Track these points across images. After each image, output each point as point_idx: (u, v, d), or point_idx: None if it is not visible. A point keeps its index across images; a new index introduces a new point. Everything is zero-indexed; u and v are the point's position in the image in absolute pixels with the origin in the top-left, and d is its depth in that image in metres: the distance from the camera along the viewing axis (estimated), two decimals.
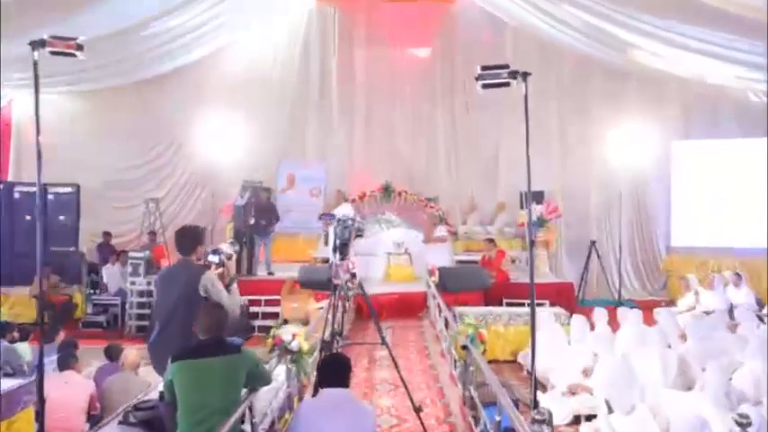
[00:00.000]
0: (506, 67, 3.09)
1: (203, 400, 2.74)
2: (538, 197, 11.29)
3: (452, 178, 12.82)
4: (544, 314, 6.91)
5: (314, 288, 7.77)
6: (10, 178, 11.60)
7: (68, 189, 10.75)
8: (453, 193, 12.72)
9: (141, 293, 9.17)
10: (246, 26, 11.97)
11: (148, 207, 11.76)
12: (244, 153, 11.48)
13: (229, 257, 3.58)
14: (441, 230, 11.23)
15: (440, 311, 6.62)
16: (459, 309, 7.37)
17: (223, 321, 2.96)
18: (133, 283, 9.20)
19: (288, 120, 12.60)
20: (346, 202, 11.06)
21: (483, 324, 7.17)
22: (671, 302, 10.48)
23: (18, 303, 9.36)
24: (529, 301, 8.66)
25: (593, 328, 6.42)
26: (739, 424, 3.14)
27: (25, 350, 5.93)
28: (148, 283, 8.94)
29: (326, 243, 9.68)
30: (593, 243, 10.75)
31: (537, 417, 2.44)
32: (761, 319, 6.80)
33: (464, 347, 3.72)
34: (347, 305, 4.09)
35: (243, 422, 3.02)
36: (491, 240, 10.17)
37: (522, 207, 11.60)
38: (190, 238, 3.67)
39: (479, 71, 3.14)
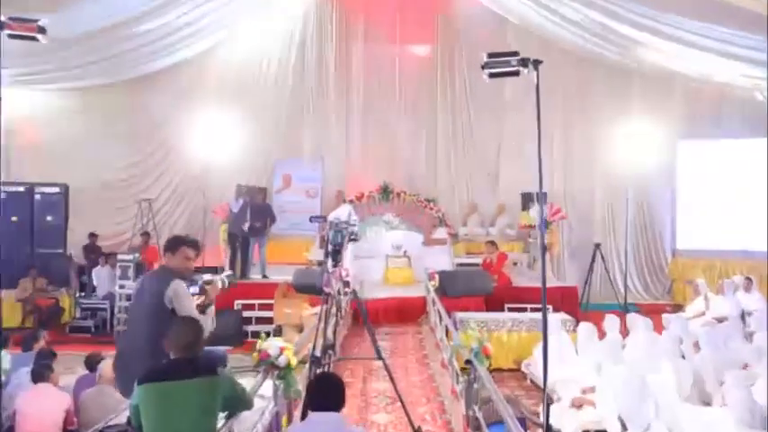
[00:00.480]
0: (515, 54, 2.79)
1: (174, 429, 2.43)
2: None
3: (452, 179, 12.56)
4: (551, 321, 6.60)
5: (309, 292, 7.48)
6: None
7: (56, 189, 10.42)
8: (453, 194, 12.47)
9: (130, 297, 8.79)
10: (241, 22, 11.69)
11: (141, 207, 11.49)
12: (238, 153, 11.19)
13: (208, 282, 3.26)
14: (440, 232, 10.95)
15: (440, 319, 6.31)
16: (460, 314, 7.10)
17: (198, 338, 2.64)
18: (122, 287, 8.85)
19: (284, 118, 12.31)
20: (346, 202, 10.78)
21: (485, 331, 6.94)
22: (677, 307, 10.23)
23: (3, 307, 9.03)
24: (532, 306, 8.47)
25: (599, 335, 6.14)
26: None
27: (4, 358, 5.61)
28: None
29: (321, 246, 9.42)
30: (598, 246, 10.45)
31: None
32: None
33: (468, 362, 3.42)
34: (340, 315, 3.76)
35: None
36: (492, 243, 9.89)
37: (523, 208, 11.35)
38: (173, 238, 3.42)
39: (486, 59, 2.83)
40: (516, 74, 2.80)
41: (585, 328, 5.90)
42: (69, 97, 11.76)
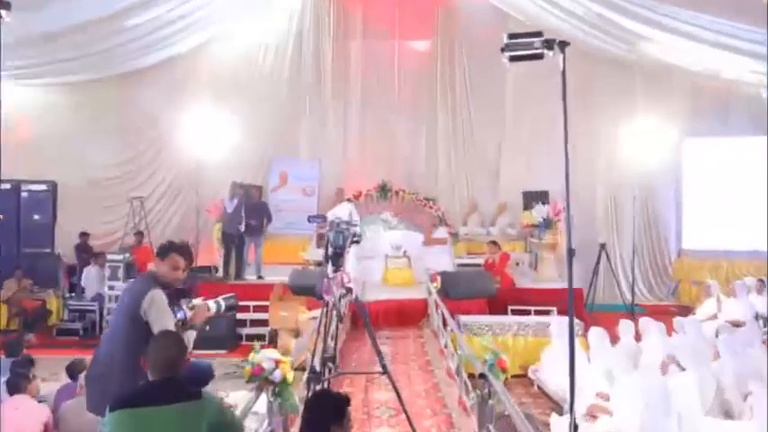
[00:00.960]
0: (539, 34, 2.49)
1: None
2: (543, 197, 10.81)
3: (452, 177, 12.28)
4: (557, 324, 6.34)
5: (306, 294, 7.17)
6: None
7: (43, 187, 10.08)
8: (453, 193, 12.19)
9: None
10: (236, 16, 11.39)
11: (132, 206, 11.20)
12: (233, 150, 10.92)
13: (193, 308, 2.93)
14: (441, 232, 10.66)
15: (444, 324, 6.02)
16: (463, 318, 6.83)
17: (180, 356, 2.31)
18: (111, 288, 8.55)
19: (280, 115, 11.99)
20: (346, 201, 10.48)
21: (489, 334, 6.67)
22: (683, 308, 9.99)
23: None
24: (536, 309, 8.21)
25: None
26: None
27: None
28: None
29: (318, 245, 9.12)
30: (603, 246, 10.19)
31: None
32: None
33: (481, 376, 3.13)
34: (340, 323, 3.46)
35: None
36: (495, 243, 9.63)
37: (525, 207, 11.09)
38: (166, 243, 3.15)
39: (507, 40, 2.53)
40: (540, 57, 2.51)
41: (597, 333, 5.61)
42: (58, 93, 11.45)
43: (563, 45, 2.44)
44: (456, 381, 4.69)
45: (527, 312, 8.11)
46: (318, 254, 7.77)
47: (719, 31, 8.74)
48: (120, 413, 2.14)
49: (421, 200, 11.27)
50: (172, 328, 2.67)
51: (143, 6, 9.15)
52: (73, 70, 10.66)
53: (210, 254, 10.66)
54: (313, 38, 12.25)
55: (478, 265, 9.90)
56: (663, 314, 8.93)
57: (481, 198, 12.02)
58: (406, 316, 7.90)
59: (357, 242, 3.15)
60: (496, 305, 8.18)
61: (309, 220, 3.42)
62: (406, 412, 3.30)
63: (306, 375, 3.14)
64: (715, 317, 7.51)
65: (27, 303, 8.63)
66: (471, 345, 4.96)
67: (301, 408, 2.66)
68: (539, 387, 6.17)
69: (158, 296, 2.79)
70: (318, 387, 2.97)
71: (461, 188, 12.23)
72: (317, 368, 3.06)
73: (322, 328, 3.11)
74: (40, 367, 6.40)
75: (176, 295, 3.02)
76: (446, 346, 5.79)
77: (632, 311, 8.52)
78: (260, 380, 2.98)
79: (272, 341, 7.66)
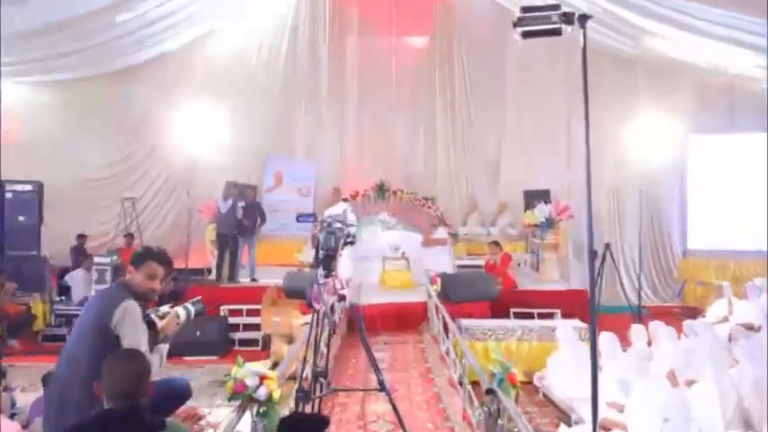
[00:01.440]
0: (557, 7, 2.20)
1: None
2: (544, 196, 10.57)
3: (451, 176, 12.06)
4: (564, 329, 6.06)
5: (300, 298, 6.86)
6: None
7: (29, 187, 9.75)
8: (452, 192, 11.96)
9: None
10: (230, 12, 11.12)
11: (124, 206, 10.90)
12: (227, 149, 10.70)
13: (162, 317, 2.65)
14: (440, 232, 10.36)
15: (446, 330, 5.72)
16: (464, 322, 6.54)
17: (140, 381, 2.00)
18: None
19: (275, 114, 11.75)
20: (343, 201, 10.20)
21: (492, 339, 6.39)
22: (688, 310, 9.74)
23: None
24: (539, 312, 7.90)
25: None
26: None
27: None
28: None
29: (313, 246, 8.82)
30: (608, 246, 9.90)
31: None
32: None
33: (489, 392, 2.83)
34: (334, 332, 3.15)
35: None
36: (496, 243, 9.36)
37: (527, 207, 10.83)
38: (142, 249, 2.92)
39: (519, 13, 2.24)
40: (557, 33, 2.22)
41: (608, 338, 5.32)
42: (47, 91, 11.15)
43: (584, 19, 2.15)
44: (458, 390, 4.40)
45: (530, 315, 7.85)
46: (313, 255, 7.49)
47: (726, 24, 8.51)
48: None
49: (419, 199, 11.00)
50: (145, 345, 2.39)
51: (131, 0, 8.87)
52: (61, 68, 10.38)
53: (203, 256, 10.38)
54: (309, 34, 12.04)
55: (479, 267, 9.67)
56: (668, 315, 8.69)
57: (481, 197, 11.80)
58: (405, 320, 7.61)
59: (351, 243, 2.86)
60: (498, 308, 7.91)
61: (298, 220, 3.12)
62: (403, 427, 3.00)
63: (294, 393, 2.83)
64: (725, 319, 7.23)
65: (10, 308, 8.27)
66: (474, 350, 4.67)
67: None
68: (544, 395, 5.87)
69: (132, 308, 2.50)
70: (308, 406, 2.67)
71: (461, 187, 12.03)
72: (307, 385, 2.76)
73: (312, 340, 2.81)
74: (22, 375, 6.13)
75: (168, 298, 2.73)
76: (447, 353, 5.50)
77: (639, 313, 8.22)
78: (243, 398, 2.69)
79: (266, 346, 7.38)
